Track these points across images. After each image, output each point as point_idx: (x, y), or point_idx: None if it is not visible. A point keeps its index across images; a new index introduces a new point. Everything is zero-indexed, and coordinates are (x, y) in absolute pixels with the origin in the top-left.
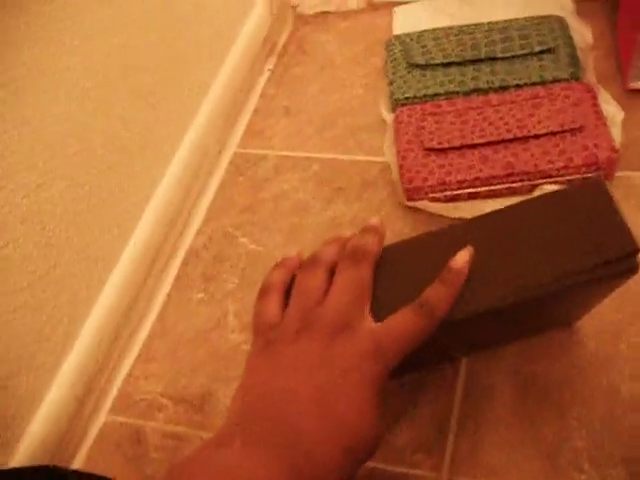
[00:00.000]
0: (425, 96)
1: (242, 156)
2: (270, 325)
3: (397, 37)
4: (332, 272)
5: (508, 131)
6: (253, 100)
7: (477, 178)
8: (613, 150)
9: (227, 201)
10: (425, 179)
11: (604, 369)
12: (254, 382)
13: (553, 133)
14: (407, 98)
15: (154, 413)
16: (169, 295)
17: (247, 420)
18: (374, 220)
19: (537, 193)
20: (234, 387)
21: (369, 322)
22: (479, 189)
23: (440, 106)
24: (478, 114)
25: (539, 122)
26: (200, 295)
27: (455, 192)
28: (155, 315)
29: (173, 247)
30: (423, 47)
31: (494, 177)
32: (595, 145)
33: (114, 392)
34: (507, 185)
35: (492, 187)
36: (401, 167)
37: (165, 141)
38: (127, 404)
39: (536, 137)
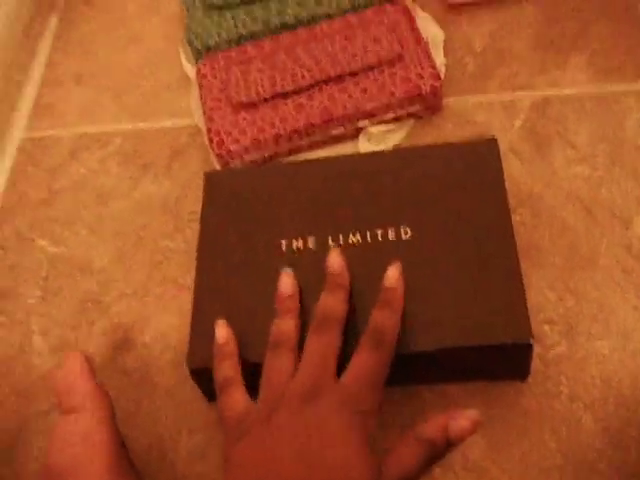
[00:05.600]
0: (230, 41)
1: (31, 141)
2: (239, 417)
3: None
4: (298, 348)
5: (321, 71)
6: (38, 70)
7: (294, 130)
8: (437, 78)
9: (19, 197)
10: (237, 140)
11: None
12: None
13: (370, 67)
14: (209, 46)
15: None
16: None
17: None
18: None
19: (362, 137)
20: (48, 422)
21: (335, 381)
22: (298, 142)
23: (245, 51)
24: (287, 56)
25: (354, 56)
26: None
27: (273, 149)
28: None
29: None
30: None
31: (313, 126)
32: (417, 75)
33: None
34: (328, 133)
35: (312, 137)
36: (209, 130)
37: None
38: None
39: (352, 74)
